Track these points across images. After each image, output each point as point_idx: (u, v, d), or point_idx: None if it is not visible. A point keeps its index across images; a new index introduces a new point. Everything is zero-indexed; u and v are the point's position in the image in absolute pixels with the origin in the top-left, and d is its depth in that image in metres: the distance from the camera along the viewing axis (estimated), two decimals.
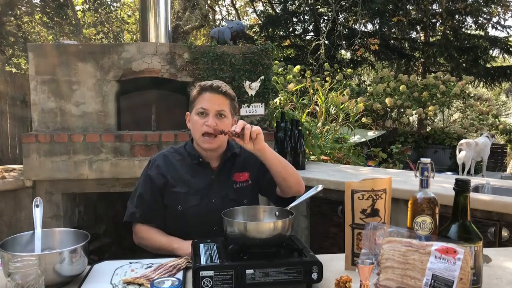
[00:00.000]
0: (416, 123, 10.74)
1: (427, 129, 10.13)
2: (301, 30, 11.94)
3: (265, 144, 1.51)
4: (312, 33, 11.58)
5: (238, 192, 1.68)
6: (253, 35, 11.20)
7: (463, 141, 7.06)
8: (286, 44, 11.53)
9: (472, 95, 7.97)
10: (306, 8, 11.16)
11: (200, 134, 1.62)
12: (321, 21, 10.72)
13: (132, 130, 3.29)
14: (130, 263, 1.36)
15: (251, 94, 3.34)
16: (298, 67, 5.60)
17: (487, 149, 7.14)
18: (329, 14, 9.70)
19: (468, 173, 6.89)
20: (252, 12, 13.21)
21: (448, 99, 7.55)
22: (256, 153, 1.52)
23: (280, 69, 5.27)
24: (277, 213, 1.40)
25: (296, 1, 11.38)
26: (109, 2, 10.70)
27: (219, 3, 12.34)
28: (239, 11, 13.05)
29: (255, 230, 1.24)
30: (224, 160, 1.71)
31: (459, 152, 6.89)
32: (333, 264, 1.37)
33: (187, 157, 1.70)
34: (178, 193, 1.63)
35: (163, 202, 1.66)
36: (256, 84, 3.32)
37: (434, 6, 10.98)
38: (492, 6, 10.76)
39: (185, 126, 1.73)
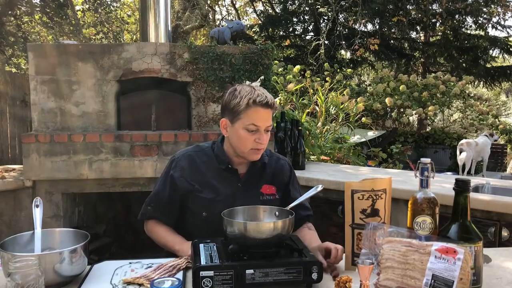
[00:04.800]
0: (416, 123, 10.74)
1: (427, 129, 10.14)
2: (301, 30, 11.94)
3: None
4: (312, 33, 11.57)
5: (264, 205, 1.59)
6: (253, 35, 11.20)
7: (463, 141, 7.05)
8: (286, 44, 11.53)
9: (472, 95, 7.96)
10: (306, 8, 11.16)
11: (250, 149, 1.56)
12: (321, 21, 10.72)
13: (132, 130, 3.29)
14: (130, 263, 1.36)
15: None
16: (298, 67, 5.59)
17: (487, 148, 7.13)
18: (329, 14, 9.69)
19: (468, 173, 6.88)
20: (252, 12, 13.22)
21: (448, 99, 7.55)
22: None
23: (280, 69, 5.28)
24: (277, 213, 1.39)
25: (296, 1, 11.38)
26: (109, 2, 10.69)
27: (219, 3, 12.34)
28: (239, 11, 13.04)
29: (255, 230, 1.24)
30: (252, 168, 1.64)
31: (460, 153, 6.88)
32: None
33: (215, 160, 1.63)
34: (204, 199, 1.58)
35: (179, 204, 1.62)
36: (256, 84, 3.30)
37: (434, 6, 10.97)
38: (492, 6, 10.75)
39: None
